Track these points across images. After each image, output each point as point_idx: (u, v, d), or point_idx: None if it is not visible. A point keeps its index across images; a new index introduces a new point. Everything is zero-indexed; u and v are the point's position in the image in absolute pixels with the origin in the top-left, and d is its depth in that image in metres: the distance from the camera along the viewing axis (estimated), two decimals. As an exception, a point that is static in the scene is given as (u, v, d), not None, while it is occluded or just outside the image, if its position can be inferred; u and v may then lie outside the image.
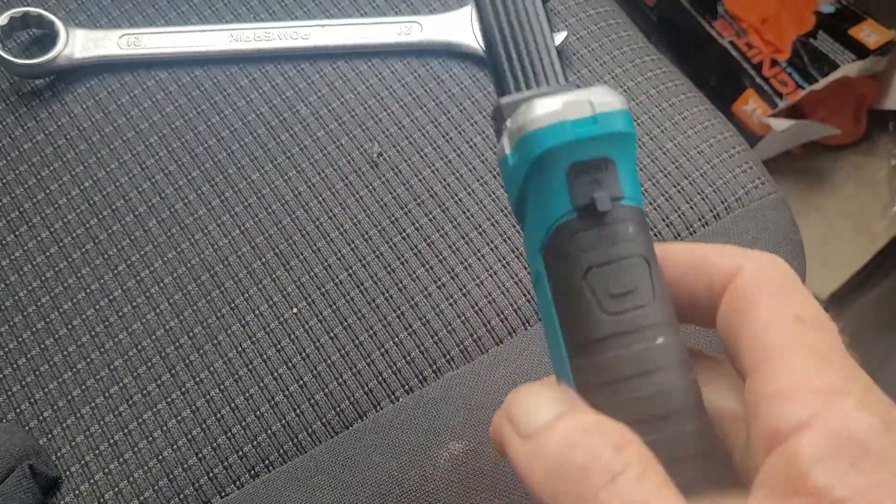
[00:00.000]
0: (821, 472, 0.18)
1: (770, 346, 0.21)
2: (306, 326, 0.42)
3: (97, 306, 0.43)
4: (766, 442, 0.19)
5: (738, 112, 0.86)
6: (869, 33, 0.87)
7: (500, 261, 0.43)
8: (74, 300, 0.43)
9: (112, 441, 0.41)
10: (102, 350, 0.42)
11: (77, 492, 0.40)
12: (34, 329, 0.43)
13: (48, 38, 0.48)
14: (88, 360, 0.42)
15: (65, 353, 0.42)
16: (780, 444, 0.19)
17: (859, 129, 0.93)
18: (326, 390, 0.41)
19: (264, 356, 0.42)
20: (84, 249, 0.44)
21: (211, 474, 0.40)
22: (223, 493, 0.39)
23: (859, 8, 0.90)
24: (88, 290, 0.43)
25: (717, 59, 0.89)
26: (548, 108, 0.20)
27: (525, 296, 0.42)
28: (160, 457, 0.40)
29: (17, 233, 0.45)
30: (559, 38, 0.47)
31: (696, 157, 0.45)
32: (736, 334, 0.22)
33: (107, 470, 0.40)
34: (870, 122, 0.93)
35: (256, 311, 0.43)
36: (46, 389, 0.42)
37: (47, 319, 0.43)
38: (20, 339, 0.43)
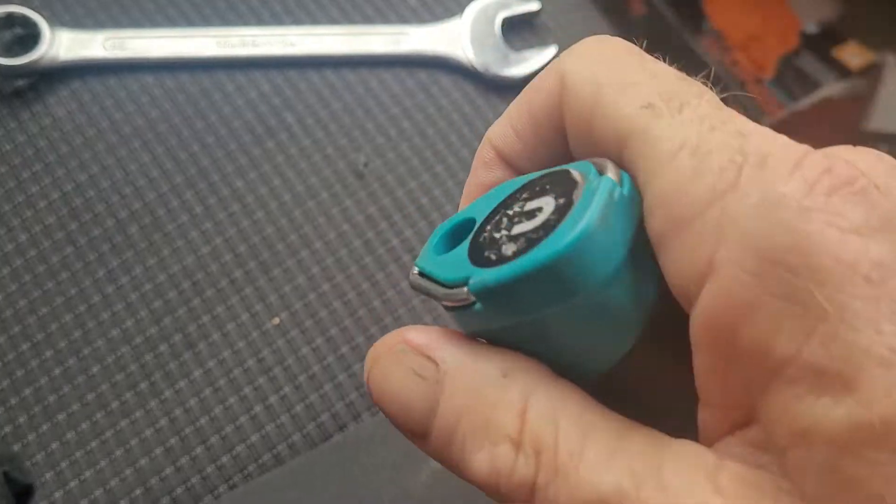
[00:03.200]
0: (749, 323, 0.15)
1: (633, 158, 0.17)
2: (288, 337, 0.42)
3: (75, 312, 0.43)
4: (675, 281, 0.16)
5: (721, 129, 0.87)
6: (852, 54, 0.88)
7: (484, 275, 0.43)
8: (52, 305, 0.43)
9: (87, 449, 0.40)
10: (79, 356, 0.42)
11: (51, 499, 0.39)
12: (9, 334, 0.42)
13: (32, 39, 0.47)
14: (65, 366, 0.42)
15: (41, 358, 0.42)
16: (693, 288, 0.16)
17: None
18: (307, 401, 0.41)
19: (244, 366, 0.41)
20: (63, 254, 0.44)
21: (188, 484, 0.39)
22: (199, 504, 0.39)
23: (843, 29, 0.91)
24: (67, 296, 0.43)
25: (701, 75, 0.89)
26: None
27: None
28: (136, 466, 0.40)
29: (-4, 235, 0.44)
30: (549, 53, 0.47)
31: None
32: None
33: (82, 478, 0.40)
34: (852, 144, 0.94)
35: (237, 321, 0.42)
36: (21, 395, 0.41)
37: (23, 324, 0.42)
38: (-5, 344, 0.42)
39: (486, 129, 0.46)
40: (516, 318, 0.17)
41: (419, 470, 0.39)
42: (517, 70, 0.47)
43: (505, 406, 0.17)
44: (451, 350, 0.18)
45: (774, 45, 0.91)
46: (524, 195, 0.18)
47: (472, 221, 0.19)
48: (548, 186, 0.18)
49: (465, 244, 0.19)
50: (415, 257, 0.43)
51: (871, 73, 0.88)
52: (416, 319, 0.42)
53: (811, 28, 0.91)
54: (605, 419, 0.17)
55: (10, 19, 0.47)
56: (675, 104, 0.17)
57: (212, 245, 0.44)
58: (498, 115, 0.46)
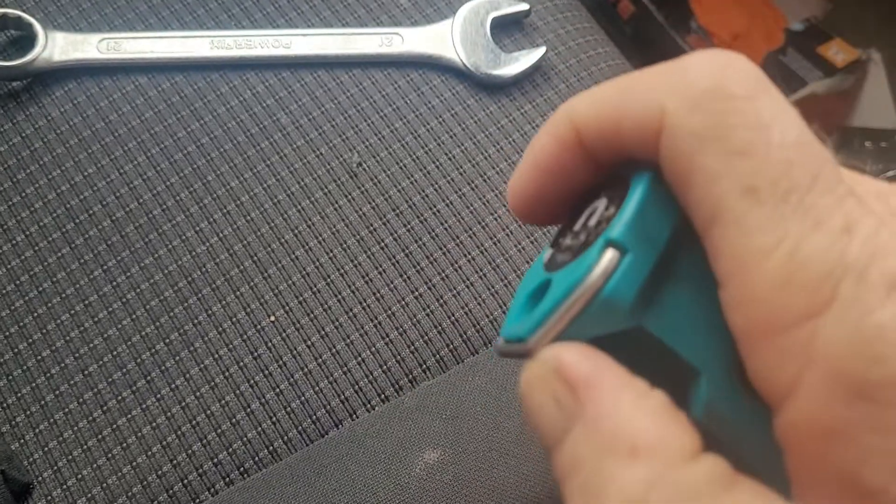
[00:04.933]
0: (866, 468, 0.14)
1: (720, 242, 0.16)
2: (283, 334, 0.42)
3: (72, 311, 0.43)
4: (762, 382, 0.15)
5: (709, 126, 0.87)
6: (837, 52, 0.89)
7: (476, 272, 0.44)
8: (49, 305, 0.43)
9: (85, 447, 0.40)
10: (77, 355, 0.42)
11: (49, 497, 0.40)
12: (7, 333, 0.43)
13: (27, 40, 0.47)
14: (62, 365, 0.42)
15: (38, 357, 0.42)
16: (781, 408, 0.15)
17: (826, 147, 0.94)
18: (303, 398, 0.41)
19: (241, 363, 0.42)
20: (60, 254, 0.44)
21: (185, 481, 0.40)
22: (198, 500, 0.39)
23: (828, 27, 0.92)
24: (63, 295, 0.43)
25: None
26: None
27: (501, 307, 0.43)
28: (134, 463, 0.40)
29: (-8, 236, 0.45)
30: (538, 53, 0.48)
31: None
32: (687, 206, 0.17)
33: (80, 476, 0.40)
34: (837, 140, 0.95)
35: (234, 319, 0.43)
36: (19, 394, 0.41)
37: (21, 324, 0.43)
38: (-7, 344, 0.43)
39: (478, 128, 0.47)
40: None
41: (413, 464, 0.39)
42: (507, 70, 0.48)
43: (620, 492, 0.15)
44: (595, 394, 0.16)
45: (760, 42, 0.92)
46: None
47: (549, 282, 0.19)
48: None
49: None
50: (408, 255, 0.44)
51: (856, 69, 0.89)
52: (410, 317, 0.43)
53: (797, 26, 0.92)
54: None
55: (4, 21, 0.47)
56: (782, 188, 0.15)
57: (207, 244, 0.44)
58: (489, 114, 0.47)
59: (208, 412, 0.41)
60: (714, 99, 0.16)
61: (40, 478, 0.40)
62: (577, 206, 0.20)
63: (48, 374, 0.42)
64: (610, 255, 0.16)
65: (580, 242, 0.18)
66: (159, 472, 0.40)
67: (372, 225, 0.45)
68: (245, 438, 0.40)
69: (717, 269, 0.16)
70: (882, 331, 0.14)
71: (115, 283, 0.43)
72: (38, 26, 0.47)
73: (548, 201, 0.20)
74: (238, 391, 0.41)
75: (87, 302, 0.43)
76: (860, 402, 0.14)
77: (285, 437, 0.41)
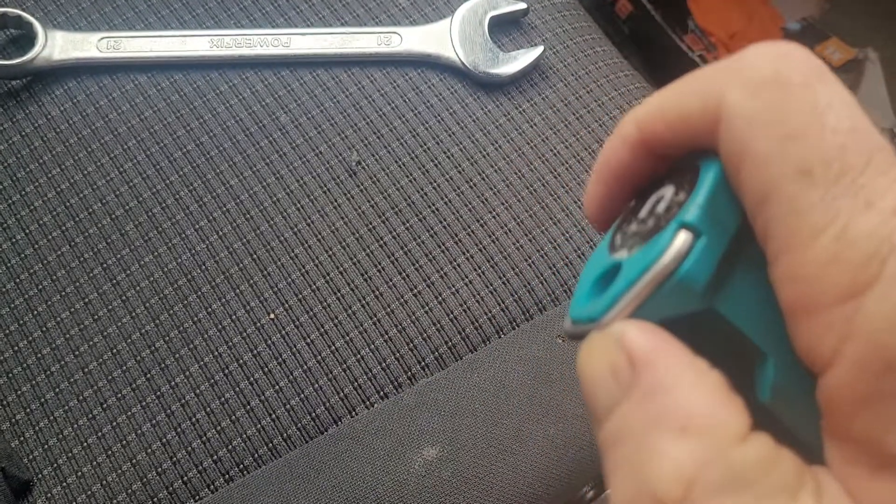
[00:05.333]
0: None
1: (771, 222, 0.16)
2: (283, 332, 0.42)
3: (72, 309, 0.43)
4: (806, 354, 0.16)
5: (706, 125, 0.88)
6: (833, 51, 0.90)
7: (475, 270, 0.44)
8: (49, 303, 0.43)
9: (85, 444, 0.41)
10: (77, 353, 0.42)
11: (49, 495, 0.40)
12: (7, 331, 0.43)
13: (26, 39, 0.48)
14: (62, 363, 0.42)
15: (38, 355, 0.42)
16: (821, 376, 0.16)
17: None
18: (302, 395, 0.41)
19: (240, 361, 0.42)
20: (60, 252, 0.44)
21: (185, 478, 0.40)
22: (197, 497, 0.40)
23: (825, 26, 0.92)
24: (64, 293, 0.43)
25: (686, 73, 0.91)
26: None
27: (499, 304, 0.43)
28: (134, 460, 0.40)
29: (-8, 234, 0.45)
30: (536, 52, 0.48)
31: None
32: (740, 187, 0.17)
33: (80, 473, 0.40)
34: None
35: (233, 316, 0.43)
36: (19, 392, 0.42)
37: (21, 321, 0.43)
38: (-7, 341, 0.43)
39: (476, 126, 0.47)
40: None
41: (412, 461, 0.40)
42: (505, 69, 0.48)
43: (670, 467, 0.15)
44: (653, 368, 0.17)
45: (757, 42, 0.93)
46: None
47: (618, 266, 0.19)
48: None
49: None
50: (407, 253, 0.44)
51: (853, 69, 0.89)
52: (409, 315, 0.43)
53: (793, 25, 0.93)
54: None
55: (4, 20, 0.47)
56: (835, 170, 0.15)
57: (207, 242, 0.44)
58: (487, 112, 0.47)
59: (208, 409, 0.41)
60: (771, 86, 0.16)
61: (40, 475, 0.40)
62: (637, 195, 0.21)
63: (48, 372, 0.42)
64: (684, 237, 0.17)
65: (649, 227, 0.18)
66: (159, 469, 0.40)
67: (371, 223, 0.45)
68: (245, 435, 0.41)
69: (768, 248, 0.16)
70: None
71: (114, 281, 0.44)
72: (37, 25, 0.47)
73: (618, 203, 0.21)
74: (237, 388, 0.41)
75: (86, 300, 0.43)
76: (892, 375, 0.14)
77: (285, 434, 0.41)
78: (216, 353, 0.42)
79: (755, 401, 0.17)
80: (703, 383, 0.16)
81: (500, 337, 0.43)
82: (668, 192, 0.19)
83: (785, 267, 0.16)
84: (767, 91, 0.16)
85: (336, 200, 0.45)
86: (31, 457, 0.40)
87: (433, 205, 0.45)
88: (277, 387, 0.41)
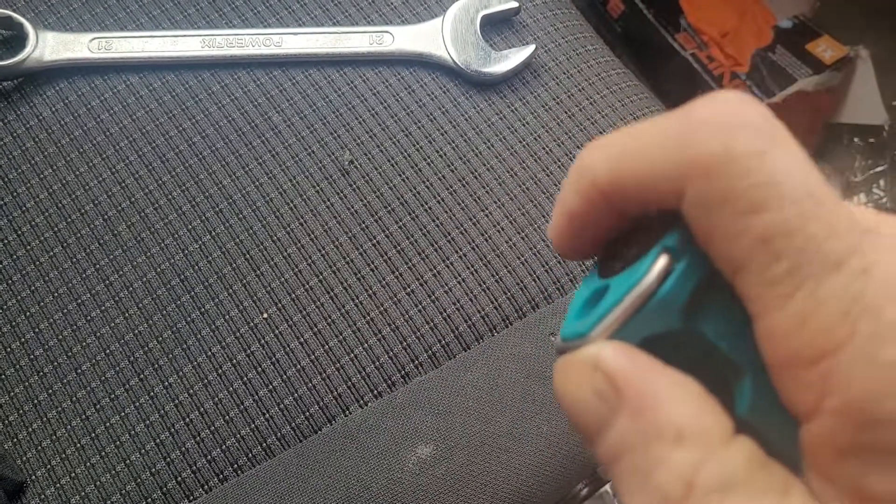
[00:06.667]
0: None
1: (744, 289, 0.17)
2: (276, 331, 0.42)
3: (65, 310, 0.43)
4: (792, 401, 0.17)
5: (699, 123, 0.88)
6: (825, 49, 0.90)
7: (468, 268, 0.44)
8: (42, 304, 0.43)
9: (79, 445, 0.41)
10: (70, 354, 0.42)
11: (42, 496, 0.40)
12: (0, 332, 0.43)
13: (17, 40, 0.47)
14: (55, 364, 0.42)
15: (31, 356, 0.42)
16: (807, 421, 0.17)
17: (815, 143, 0.95)
18: (296, 395, 0.41)
19: (234, 361, 0.42)
20: (52, 253, 0.44)
21: (179, 478, 0.40)
22: (191, 497, 0.40)
23: (816, 24, 0.92)
24: (56, 294, 0.43)
25: (679, 71, 0.91)
26: None
27: (492, 302, 0.43)
28: (128, 461, 0.40)
29: (-16, 235, 0.45)
30: (528, 51, 0.48)
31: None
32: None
33: (73, 474, 0.40)
34: (826, 136, 0.96)
35: (226, 316, 0.43)
36: (12, 393, 0.41)
37: (13, 323, 0.43)
38: (-14, 343, 0.43)
39: (468, 125, 0.47)
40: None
41: (406, 459, 0.40)
42: (497, 68, 0.48)
43: (671, 470, 0.16)
44: (634, 386, 0.17)
45: (749, 40, 0.93)
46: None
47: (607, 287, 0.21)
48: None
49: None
50: (400, 252, 0.44)
51: (845, 66, 0.89)
52: (403, 313, 0.43)
53: (785, 23, 0.93)
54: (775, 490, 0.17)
55: (-5, 21, 0.47)
56: (798, 241, 0.16)
57: (200, 242, 0.44)
58: (479, 111, 0.47)
59: (202, 409, 0.41)
60: (723, 166, 0.16)
61: (34, 476, 0.40)
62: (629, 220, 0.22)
63: (41, 373, 0.42)
64: (665, 260, 0.18)
65: (635, 252, 0.20)
66: (153, 470, 0.40)
67: (364, 222, 0.45)
68: (239, 435, 0.41)
69: (746, 306, 0.17)
70: (892, 368, 0.15)
71: (107, 282, 0.44)
72: (28, 26, 0.47)
73: (589, 240, 0.21)
74: (231, 388, 0.41)
75: (79, 301, 0.43)
76: (870, 430, 0.15)
77: (279, 434, 0.41)
78: (210, 353, 0.42)
79: (736, 416, 0.18)
80: (681, 393, 0.17)
81: (493, 335, 0.43)
82: (655, 217, 0.20)
83: (762, 328, 0.17)
84: (720, 171, 0.16)
85: (329, 200, 0.45)
86: (24, 458, 0.40)
87: (426, 203, 0.45)
88: (271, 386, 0.41)
